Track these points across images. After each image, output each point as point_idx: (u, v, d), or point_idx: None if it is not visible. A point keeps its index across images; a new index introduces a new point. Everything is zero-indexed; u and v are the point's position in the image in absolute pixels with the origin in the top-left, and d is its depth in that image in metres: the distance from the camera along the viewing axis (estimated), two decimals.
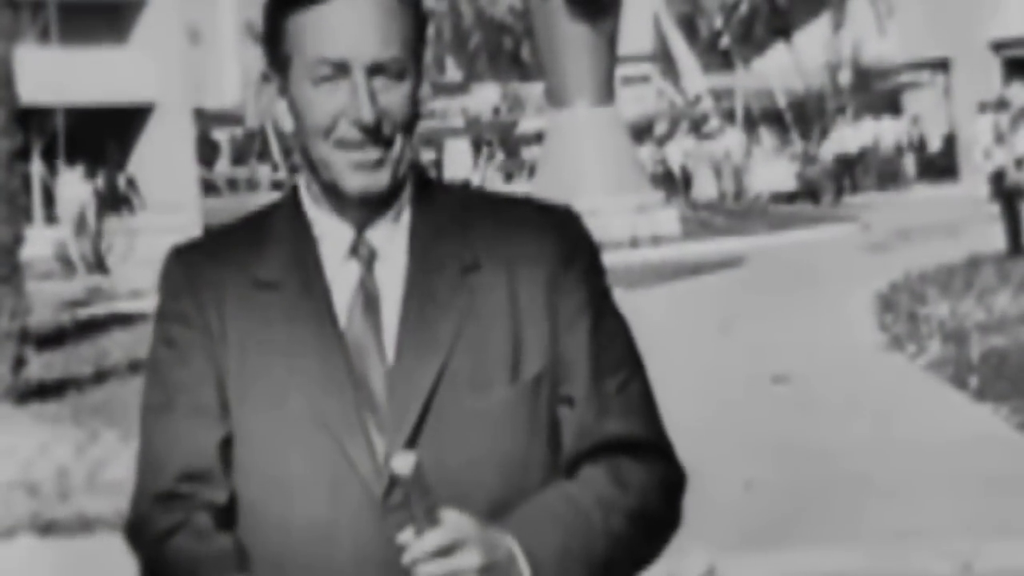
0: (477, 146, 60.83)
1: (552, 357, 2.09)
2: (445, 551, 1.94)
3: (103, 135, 40.04)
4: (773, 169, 40.87)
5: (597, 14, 27.15)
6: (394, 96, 2.07)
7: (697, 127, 48.63)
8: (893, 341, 13.47)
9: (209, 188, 43.85)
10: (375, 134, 2.05)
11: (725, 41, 66.88)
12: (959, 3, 44.09)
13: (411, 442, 2.03)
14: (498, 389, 2.07)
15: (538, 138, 42.78)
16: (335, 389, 2.06)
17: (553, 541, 2.02)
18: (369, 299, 2.08)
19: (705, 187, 41.06)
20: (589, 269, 2.17)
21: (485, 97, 65.18)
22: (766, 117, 54.43)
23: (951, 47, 44.80)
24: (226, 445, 2.10)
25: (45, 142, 37.51)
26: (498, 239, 2.11)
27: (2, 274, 12.14)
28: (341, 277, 2.10)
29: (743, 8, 68.12)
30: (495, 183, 49.09)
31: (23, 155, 12.58)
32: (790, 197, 39.55)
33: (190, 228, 39.68)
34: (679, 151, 44.76)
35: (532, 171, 38.58)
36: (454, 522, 1.95)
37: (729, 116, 53.65)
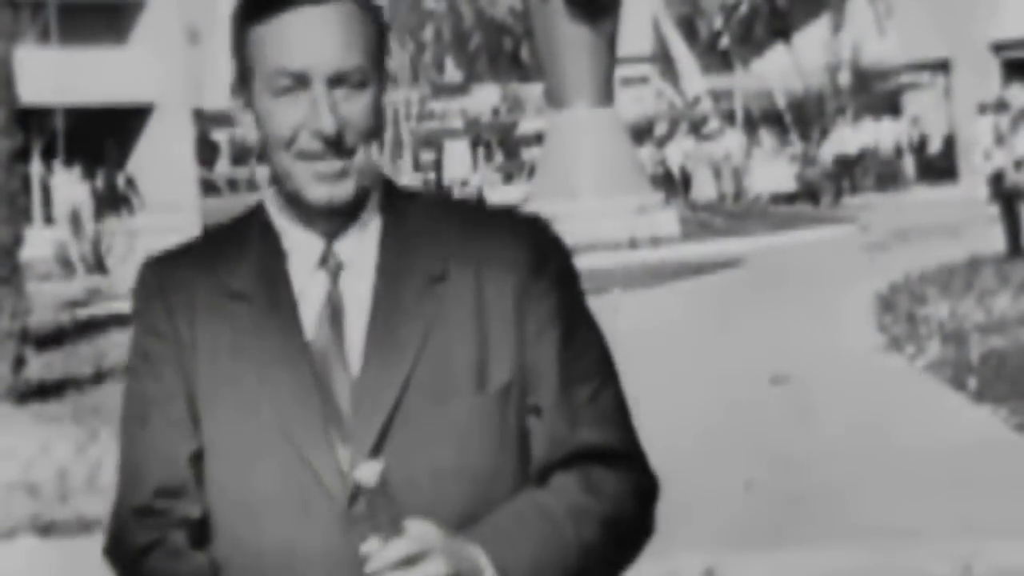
0: (477, 147, 60.87)
1: (520, 367, 2.07)
2: (409, 561, 1.92)
3: (103, 135, 40.03)
4: (772, 170, 40.87)
5: (597, 15, 27.15)
6: (356, 106, 2.06)
7: (697, 128, 48.63)
8: (892, 342, 13.47)
9: (209, 188, 43.83)
10: (336, 145, 2.05)
11: (724, 42, 66.89)
12: (958, 4, 44.10)
13: (376, 453, 2.01)
14: (464, 399, 2.05)
15: (538, 139, 42.80)
16: (301, 402, 2.04)
17: (523, 551, 2.01)
18: (335, 311, 2.07)
19: (704, 188, 41.07)
20: (559, 278, 2.13)
21: (485, 98, 65.18)
22: (766, 118, 54.44)
23: (951, 48, 44.81)
24: (199, 459, 2.10)
25: (45, 142, 37.52)
26: (466, 248, 2.10)
27: (2, 275, 12.14)
28: (310, 288, 2.09)
29: (742, 9, 68.13)
30: (495, 184, 49.07)
31: (23, 155, 12.59)
32: (789, 198, 39.55)
33: (189, 228, 39.70)
34: (679, 152, 44.77)
35: (532, 172, 38.56)
36: (419, 532, 1.94)
37: (729, 117, 53.67)
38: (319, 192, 2.07)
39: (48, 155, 37.44)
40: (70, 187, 33.09)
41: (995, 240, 18.99)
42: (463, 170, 56.90)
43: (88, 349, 15.27)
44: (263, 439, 2.06)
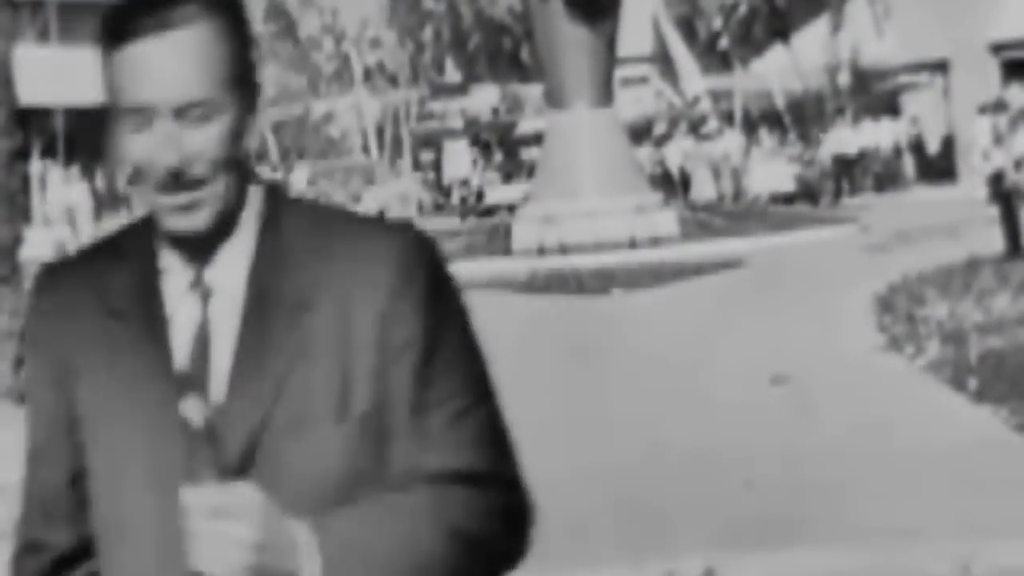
0: (476, 147, 60.87)
1: (382, 393, 2.04)
2: (220, 513, 1.89)
3: (103, 135, 40.06)
4: (772, 170, 40.88)
5: (596, 16, 27.16)
6: (203, 137, 2.02)
7: (696, 128, 48.63)
8: (892, 342, 13.48)
9: None
10: (183, 178, 2.01)
11: (724, 42, 66.91)
12: (957, 5, 44.13)
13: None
14: (325, 430, 2.02)
15: (537, 139, 42.79)
16: (166, 430, 2.02)
17: (354, 537, 1.97)
18: (203, 338, 2.04)
19: (704, 188, 41.08)
20: (425, 297, 2.07)
21: (484, 98, 65.15)
22: (765, 118, 54.44)
23: (950, 49, 44.85)
24: (80, 486, 2.11)
25: (45, 142, 37.54)
26: (336, 271, 2.06)
27: (2, 274, 12.14)
28: (181, 311, 2.07)
29: (742, 10, 68.15)
30: (494, 184, 49.10)
31: (23, 155, 12.60)
32: (789, 198, 39.56)
33: None
34: (678, 152, 44.78)
35: (531, 172, 38.57)
36: (241, 490, 1.91)
37: (728, 117, 53.67)
38: (172, 223, 2.04)
39: (48, 155, 37.45)
40: (64, 187, 33.09)
41: (994, 240, 19.00)
42: (463, 170, 56.92)
43: None
44: (131, 464, 2.04)
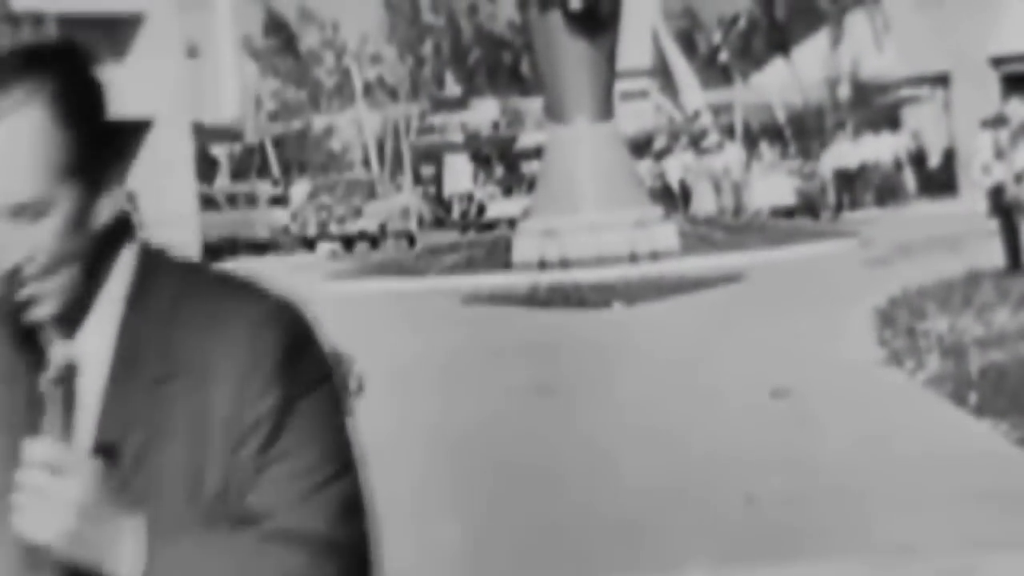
0: (477, 161, 60.94)
1: (232, 473, 1.98)
2: (53, 467, 1.87)
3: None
4: (772, 184, 40.91)
5: (596, 30, 27.19)
6: (40, 233, 1.94)
7: (696, 142, 48.67)
8: (892, 356, 13.48)
9: (208, 203, 43.86)
10: (20, 276, 1.95)
11: (724, 56, 66.96)
12: (958, 19, 44.18)
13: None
14: (178, 508, 1.98)
15: (537, 153, 42.84)
16: None
17: (179, 548, 1.94)
18: (67, 409, 1.98)
19: (704, 202, 41.09)
20: (280, 371, 2.00)
21: (484, 112, 65.24)
22: (765, 132, 54.50)
23: (950, 62, 44.89)
24: None
25: None
26: (196, 342, 2.00)
27: None
28: (49, 385, 2.00)
29: (741, 23, 68.21)
30: (495, 197, 49.14)
31: None
32: (789, 212, 39.59)
33: (188, 243, 39.77)
34: (678, 166, 44.81)
35: (531, 186, 38.59)
36: (82, 455, 1.90)
37: (728, 131, 53.71)
38: (21, 313, 1.99)
39: None
40: None
41: (995, 254, 19.00)
42: (463, 184, 56.99)
43: None
44: (4, 530, 1.98)
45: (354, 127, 66.40)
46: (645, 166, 43.54)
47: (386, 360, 15.73)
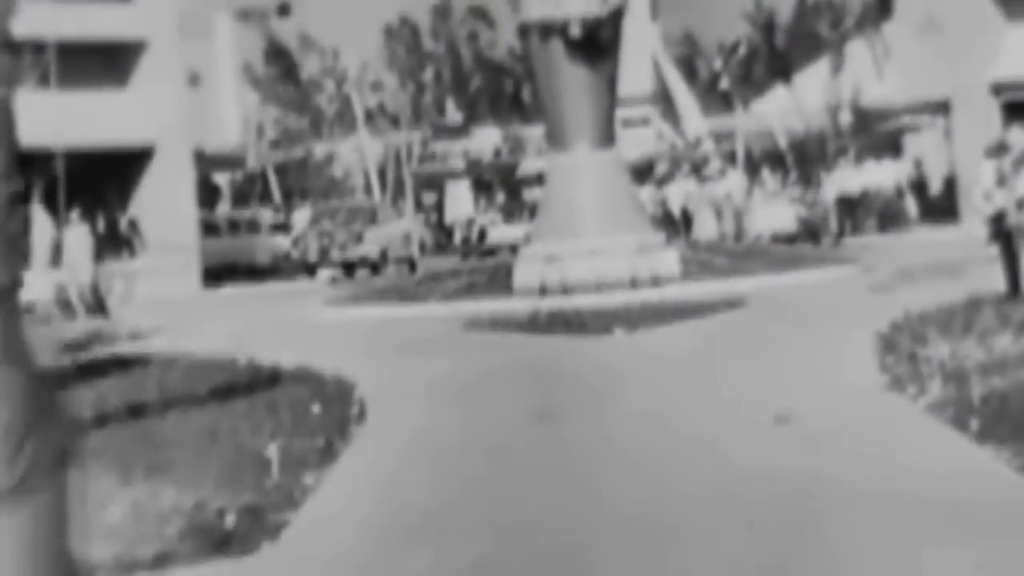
0: (479, 187, 60.97)
1: None
2: None
3: (104, 178, 40.12)
4: (774, 210, 40.93)
5: (596, 57, 27.22)
6: None
7: (698, 169, 48.73)
8: (894, 382, 13.46)
9: (210, 229, 43.88)
10: None
11: (725, 83, 67.06)
12: (958, 46, 44.23)
13: None
14: None
15: (539, 179, 42.88)
16: None
17: None
18: None
19: (706, 228, 41.10)
20: None
21: (486, 139, 65.35)
22: (767, 158, 54.55)
23: (951, 89, 44.94)
24: None
25: (46, 185, 37.58)
26: None
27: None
28: None
29: (741, 50, 68.34)
30: (496, 224, 49.17)
31: (24, 198, 12.59)
32: (791, 238, 39.59)
33: (190, 270, 39.76)
34: (680, 192, 44.84)
35: (532, 212, 38.62)
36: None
37: (730, 157, 53.76)
38: None
39: (50, 199, 37.49)
40: (43, 228, 33.11)
41: (996, 280, 19.00)
42: (465, 210, 57.04)
43: (88, 392, 15.26)
44: None
45: (355, 154, 66.48)
46: (647, 192, 43.57)
47: (387, 386, 15.72)
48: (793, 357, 16.27)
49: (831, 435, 11.46)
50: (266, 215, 50.52)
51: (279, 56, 74.85)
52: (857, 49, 61.18)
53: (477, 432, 12.98)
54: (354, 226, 43.10)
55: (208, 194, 54.08)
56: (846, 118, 54.93)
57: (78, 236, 30.93)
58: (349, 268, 41.90)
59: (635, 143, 53.84)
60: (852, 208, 42.40)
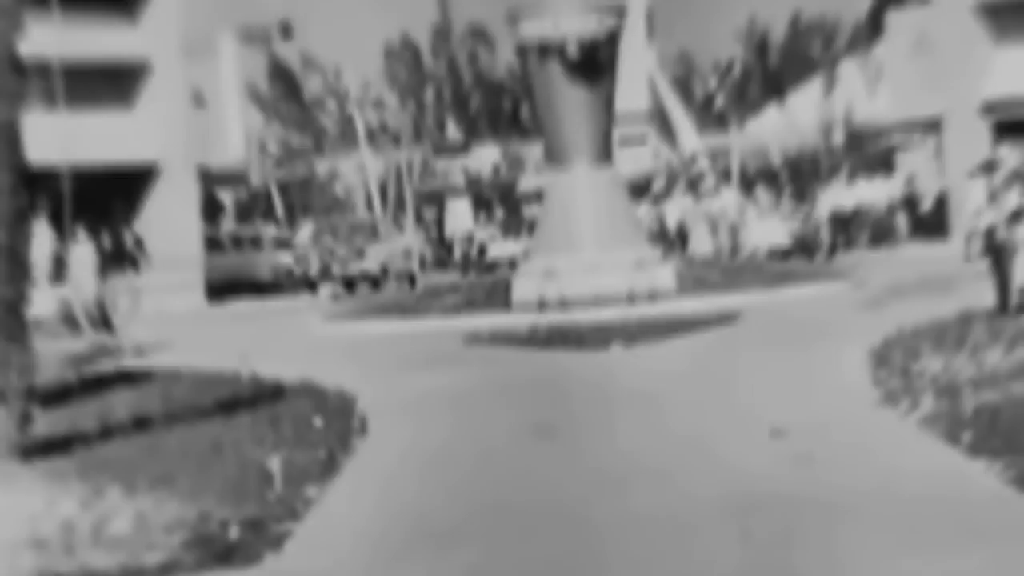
0: (478, 204, 61.01)
1: None
2: None
3: (110, 196, 40.12)
4: (768, 226, 40.92)
5: (594, 77, 27.24)
6: None
7: (694, 186, 48.77)
8: (887, 396, 13.45)
9: (213, 245, 43.87)
10: None
11: (720, 102, 67.14)
12: (949, 66, 44.28)
13: None
14: None
15: (537, 196, 42.85)
16: None
17: None
18: None
19: (701, 244, 41.11)
20: None
21: (485, 157, 65.38)
22: (761, 176, 54.61)
23: (942, 108, 44.97)
24: None
25: (52, 204, 37.58)
26: None
27: (9, 333, 12.13)
28: None
29: (736, 70, 68.41)
30: (496, 240, 49.18)
31: (29, 216, 12.61)
32: (785, 254, 39.59)
33: (194, 285, 39.76)
34: (676, 209, 44.86)
35: (531, 228, 38.61)
36: None
37: (725, 175, 53.82)
38: None
39: (56, 216, 37.50)
40: (42, 242, 33.12)
41: (986, 295, 18.99)
42: (465, 226, 57.05)
43: (94, 405, 15.25)
44: None
45: (357, 171, 66.51)
46: (644, 209, 43.60)
47: (388, 400, 15.71)
48: (788, 371, 16.26)
49: (825, 448, 11.44)
50: (269, 231, 50.52)
51: (282, 76, 74.90)
52: (849, 69, 61.26)
53: (477, 445, 12.97)
54: (355, 242, 43.09)
55: (212, 211, 54.07)
56: (839, 136, 54.98)
57: (84, 253, 30.91)
58: (350, 283, 41.88)
59: (632, 160, 53.84)
60: (845, 224, 42.40)
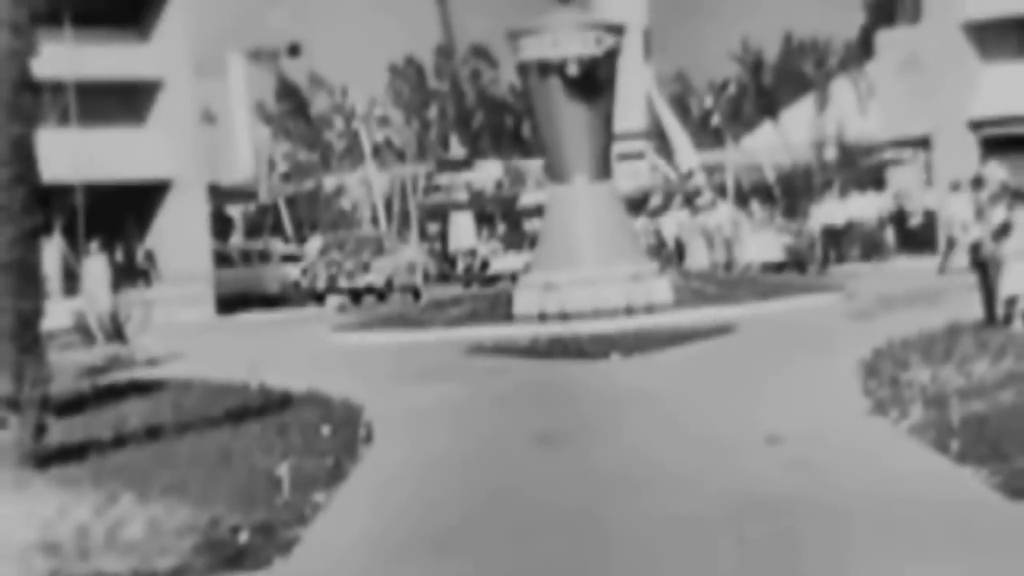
0: (481, 218, 61.05)
1: None
2: None
3: (122, 211, 40.14)
4: (762, 240, 40.92)
5: (593, 94, 27.28)
6: None
7: (690, 201, 48.78)
8: (877, 405, 13.47)
9: (222, 260, 43.89)
10: None
11: (716, 119, 67.19)
12: (938, 85, 44.32)
13: None
14: None
15: (538, 211, 42.85)
16: None
17: None
18: None
19: (697, 257, 41.12)
20: None
21: (488, 172, 65.39)
22: (756, 191, 54.66)
23: (931, 126, 45.01)
24: None
25: (66, 219, 37.63)
26: None
27: (24, 345, 12.15)
28: None
29: (731, 89, 68.47)
30: (497, 253, 49.19)
31: (44, 232, 12.64)
32: (779, 267, 39.60)
33: (204, 298, 39.77)
34: (673, 223, 44.86)
35: (532, 242, 38.62)
36: None
37: (721, 190, 53.87)
38: None
39: (70, 231, 37.54)
40: (51, 258, 33.16)
41: (973, 308, 19.00)
42: (468, 240, 57.08)
43: (108, 414, 15.27)
44: None
45: (363, 187, 66.57)
46: (641, 223, 43.61)
47: (393, 408, 15.72)
48: (781, 381, 16.27)
49: (818, 456, 11.46)
50: (277, 246, 50.54)
51: (290, 94, 75.00)
52: (841, 87, 61.33)
53: (481, 452, 12.99)
54: (361, 256, 43.11)
55: (222, 226, 54.12)
56: (831, 153, 55.02)
57: (97, 266, 30.92)
58: (356, 296, 41.89)
59: (630, 176, 53.86)
60: (837, 238, 42.39)
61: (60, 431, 12.95)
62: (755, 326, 22.69)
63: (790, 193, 53.10)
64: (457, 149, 70.06)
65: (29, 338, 12.23)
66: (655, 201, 52.74)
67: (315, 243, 49.08)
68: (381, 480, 11.83)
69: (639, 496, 10.51)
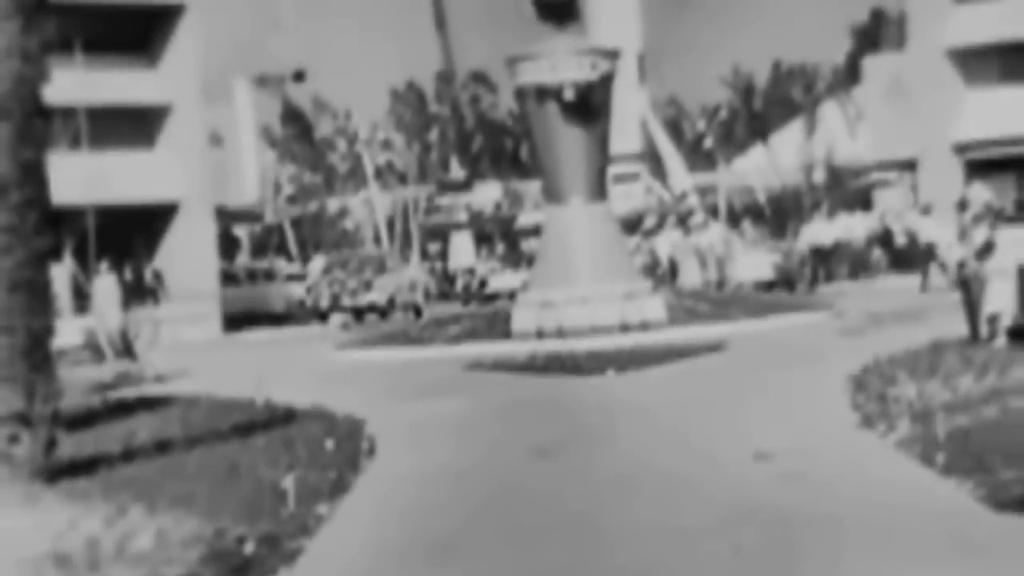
0: (480, 239, 61.10)
1: None
2: None
3: (132, 232, 40.17)
4: (753, 260, 40.94)
5: (589, 118, 27.31)
6: None
7: (683, 221, 48.82)
8: (865, 420, 13.47)
9: (229, 279, 43.90)
10: None
11: (708, 142, 67.29)
12: (924, 109, 44.41)
13: None
14: None
15: (536, 231, 42.89)
16: None
17: None
18: None
19: (690, 276, 41.14)
20: None
21: (487, 194, 65.50)
22: (747, 212, 54.73)
23: (917, 149, 45.09)
24: None
25: (77, 240, 37.65)
26: None
27: (35, 363, 12.16)
28: None
29: (723, 113, 68.58)
30: (496, 272, 49.21)
31: (55, 253, 12.65)
32: (769, 285, 39.61)
33: (211, 317, 39.78)
34: (667, 243, 44.89)
35: (530, 261, 38.64)
36: None
37: (713, 211, 53.94)
38: None
39: (80, 252, 37.56)
40: (60, 278, 33.19)
41: (958, 325, 19.01)
42: (467, 259, 57.12)
43: (117, 429, 15.27)
44: None
45: (366, 208, 66.65)
46: (636, 243, 43.65)
47: (395, 423, 15.72)
48: (771, 397, 16.27)
49: (807, 469, 11.46)
50: (282, 265, 50.57)
51: (295, 118, 75.09)
52: (829, 111, 61.46)
53: (481, 465, 12.98)
54: (364, 275, 43.13)
55: (228, 246, 54.16)
56: (820, 175, 55.13)
57: (107, 285, 30.92)
58: (359, 314, 41.90)
59: (625, 197, 53.97)
60: (825, 258, 42.42)
61: (70, 446, 12.95)
62: (746, 343, 22.70)
63: (780, 214, 53.16)
64: (457, 171, 70.15)
65: (40, 356, 12.23)
66: (649, 221, 52.80)
67: (319, 263, 49.09)
68: (383, 492, 11.82)
69: (635, 504, 10.51)
